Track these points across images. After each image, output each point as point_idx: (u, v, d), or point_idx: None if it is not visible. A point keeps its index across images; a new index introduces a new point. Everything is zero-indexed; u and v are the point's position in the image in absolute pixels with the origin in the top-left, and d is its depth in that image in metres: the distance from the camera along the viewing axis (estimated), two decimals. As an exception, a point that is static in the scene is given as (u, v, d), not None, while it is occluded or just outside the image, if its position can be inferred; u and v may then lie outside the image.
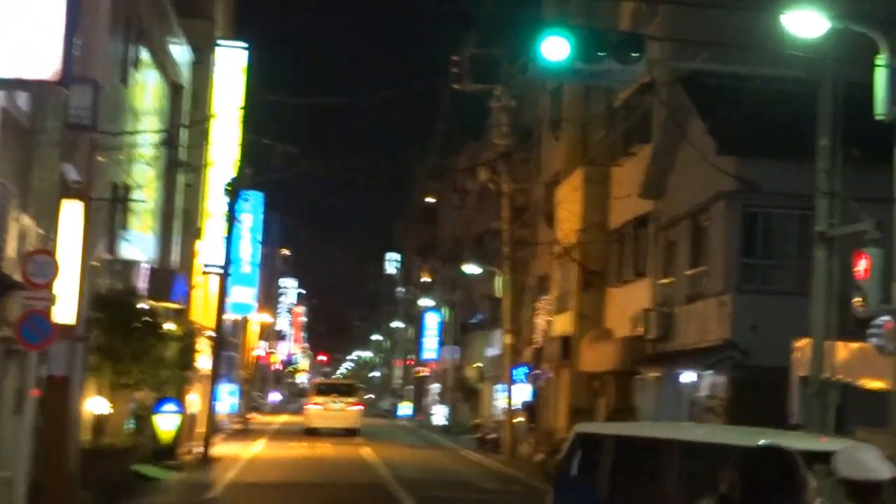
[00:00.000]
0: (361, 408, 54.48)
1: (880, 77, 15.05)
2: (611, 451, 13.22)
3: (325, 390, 54.02)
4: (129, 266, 28.13)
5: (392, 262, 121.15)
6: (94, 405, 25.42)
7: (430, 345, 79.91)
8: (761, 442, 4.39)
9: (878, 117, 15.09)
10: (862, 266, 16.48)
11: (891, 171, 15.36)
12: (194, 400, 38.86)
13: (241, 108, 41.19)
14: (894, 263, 15.38)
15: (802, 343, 20.80)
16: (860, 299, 16.38)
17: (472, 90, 45.16)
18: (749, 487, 4.13)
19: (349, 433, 50.04)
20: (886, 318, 15.49)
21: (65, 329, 19.53)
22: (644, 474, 12.85)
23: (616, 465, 13.14)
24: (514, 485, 31.27)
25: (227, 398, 51.38)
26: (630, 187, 33.87)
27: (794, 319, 22.02)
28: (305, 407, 54.58)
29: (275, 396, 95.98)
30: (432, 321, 79.68)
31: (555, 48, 15.36)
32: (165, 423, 30.57)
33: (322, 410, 51.60)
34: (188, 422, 35.83)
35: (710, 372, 27.81)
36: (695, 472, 11.22)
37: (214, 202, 40.10)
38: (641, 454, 13.04)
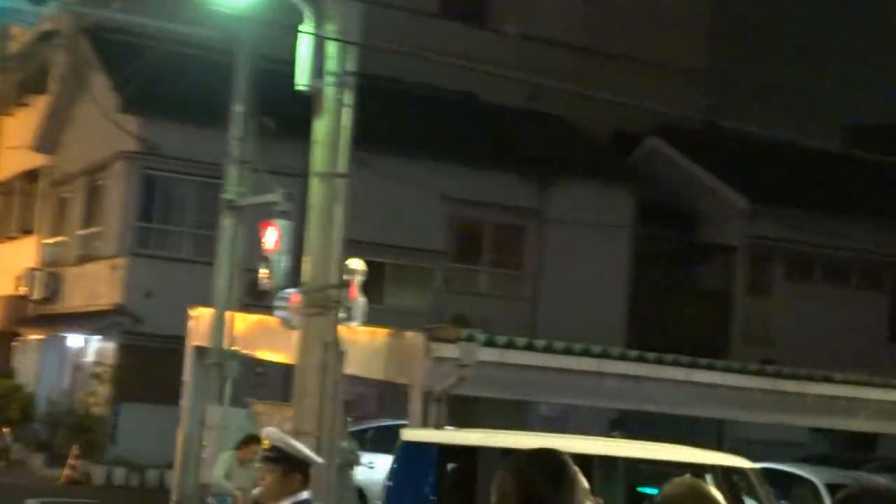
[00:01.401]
0: None
1: (304, 47, 14.73)
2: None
3: None
4: None
5: None
6: None
7: None
8: (532, 446, 4.10)
9: (299, 87, 14.72)
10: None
11: (305, 143, 15.09)
12: None
13: None
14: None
15: (198, 312, 20.38)
16: (266, 271, 16.07)
17: None
18: (523, 492, 3.95)
19: None
20: (292, 290, 15.24)
21: None
22: None
23: None
24: None
25: None
26: (22, 139, 32.14)
27: (191, 287, 21.69)
28: None
29: None
30: None
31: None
32: None
33: None
34: None
35: (99, 337, 26.91)
36: None
37: None
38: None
